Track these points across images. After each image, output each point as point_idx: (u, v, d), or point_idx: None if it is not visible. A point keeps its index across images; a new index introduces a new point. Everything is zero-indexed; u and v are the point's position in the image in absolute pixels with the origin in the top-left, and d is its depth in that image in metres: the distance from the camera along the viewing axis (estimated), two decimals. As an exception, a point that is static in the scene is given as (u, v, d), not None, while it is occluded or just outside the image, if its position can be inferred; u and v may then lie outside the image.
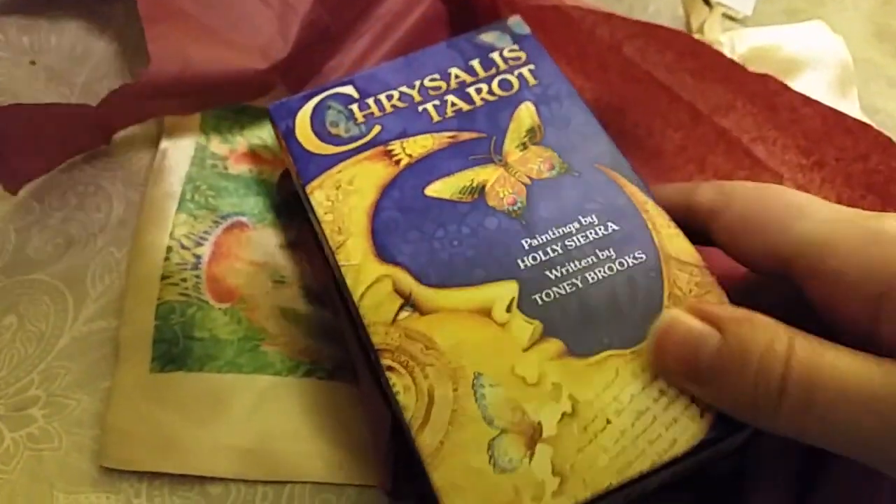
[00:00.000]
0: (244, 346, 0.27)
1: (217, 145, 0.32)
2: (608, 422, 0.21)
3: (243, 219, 0.30)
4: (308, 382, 0.26)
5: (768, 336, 0.18)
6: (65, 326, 0.28)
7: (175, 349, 0.27)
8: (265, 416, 0.26)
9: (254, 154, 0.32)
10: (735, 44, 0.35)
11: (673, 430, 0.20)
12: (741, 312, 0.19)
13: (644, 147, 0.30)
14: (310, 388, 0.26)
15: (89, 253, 0.30)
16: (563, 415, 0.21)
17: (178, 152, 0.32)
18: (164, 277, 0.28)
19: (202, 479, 0.25)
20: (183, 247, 0.29)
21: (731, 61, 0.27)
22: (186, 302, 0.28)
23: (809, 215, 0.20)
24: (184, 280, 0.28)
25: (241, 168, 0.32)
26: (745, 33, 0.36)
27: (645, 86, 0.30)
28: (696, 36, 0.35)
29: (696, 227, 0.23)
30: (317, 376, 0.27)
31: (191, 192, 0.30)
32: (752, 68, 0.28)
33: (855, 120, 0.26)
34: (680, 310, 0.20)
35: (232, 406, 0.26)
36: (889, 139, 0.25)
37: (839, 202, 0.26)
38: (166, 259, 0.29)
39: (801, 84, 0.33)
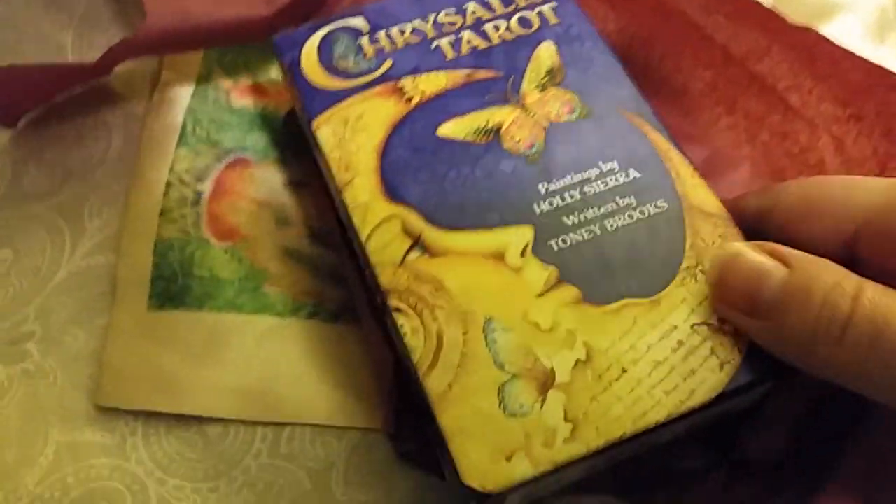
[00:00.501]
0: (245, 286, 0.26)
1: (220, 78, 0.31)
2: (624, 370, 0.20)
3: (246, 155, 0.29)
4: (311, 324, 0.26)
5: (838, 276, 0.18)
6: (62, 261, 0.28)
7: (173, 287, 0.26)
8: (266, 358, 0.25)
9: (258, 88, 0.31)
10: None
11: (691, 382, 0.20)
12: (809, 255, 0.19)
13: (669, 83, 0.29)
14: (312, 330, 0.25)
15: (88, 186, 0.29)
16: (577, 362, 0.20)
17: (180, 85, 0.30)
18: (163, 213, 0.27)
19: (200, 420, 0.25)
20: (183, 182, 0.28)
21: (770, 10, 0.26)
22: (186, 239, 0.27)
23: (866, 187, 0.20)
24: (183, 216, 0.27)
25: (245, 102, 0.30)
26: None
27: (676, 23, 0.29)
28: None
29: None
30: (320, 318, 0.26)
31: (192, 126, 0.29)
32: (784, 11, 0.27)
33: None
34: (746, 244, 0.20)
35: (231, 346, 0.25)
36: None
37: (875, 156, 0.25)
38: (166, 194, 0.28)
39: (836, 28, 0.32)
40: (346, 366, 0.25)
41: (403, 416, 0.23)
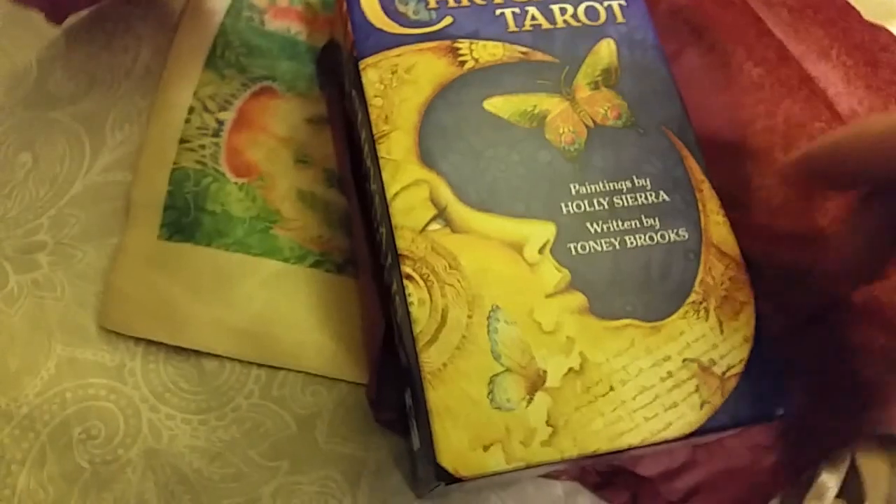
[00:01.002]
0: (255, 227, 0.26)
1: None
2: (611, 388, 0.20)
3: (273, 84, 0.28)
4: (315, 273, 0.25)
5: None
6: (79, 173, 0.27)
7: (185, 219, 0.25)
8: (267, 301, 0.25)
9: (295, 11, 0.29)
10: None
11: (671, 413, 0.20)
12: None
13: (716, 74, 0.28)
14: (316, 279, 0.25)
15: (112, 97, 0.28)
16: (570, 370, 0.20)
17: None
18: (182, 141, 0.26)
19: (198, 353, 0.25)
20: (206, 109, 0.27)
21: (845, 3, 0.25)
22: (202, 171, 0.26)
23: None
24: (202, 147, 0.26)
25: (279, 24, 0.29)
26: None
27: (734, 12, 0.28)
28: None
29: None
30: (324, 268, 0.26)
31: (221, 49, 0.28)
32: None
33: None
34: None
35: (235, 286, 0.25)
36: None
37: None
38: (187, 121, 0.27)
39: None
40: (343, 319, 0.25)
41: (385, 383, 0.23)
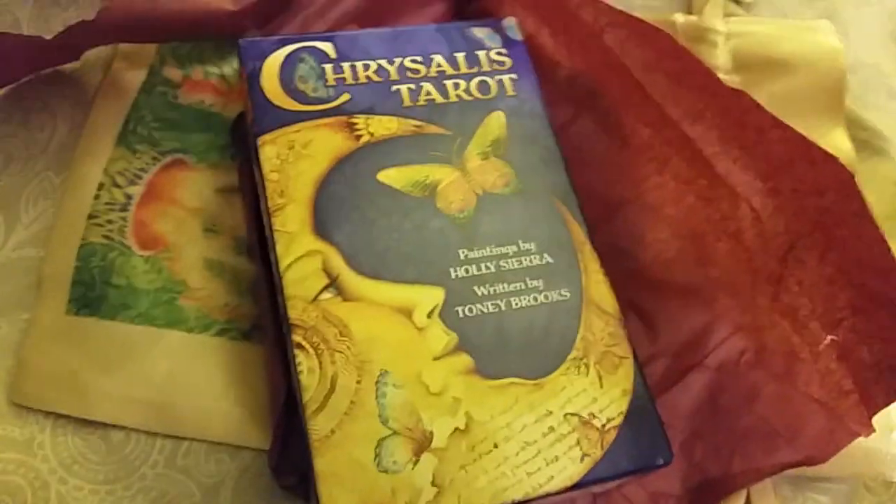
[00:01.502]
0: (160, 298, 0.26)
1: (171, 70, 0.30)
2: (495, 446, 0.21)
3: (185, 156, 0.29)
4: (219, 341, 0.26)
5: None
6: None
7: (91, 294, 0.26)
8: (171, 371, 0.25)
9: (209, 84, 0.31)
10: (731, 32, 0.33)
11: (553, 467, 0.21)
12: None
13: (612, 135, 0.30)
14: (221, 348, 0.26)
15: (27, 174, 0.29)
16: (456, 430, 0.21)
17: (130, 75, 0.30)
18: (90, 216, 0.27)
19: (106, 425, 0.25)
20: (115, 184, 0.28)
21: (709, 70, 0.27)
22: (109, 245, 0.27)
23: None
24: (110, 221, 0.27)
25: (193, 98, 0.30)
26: (744, 23, 0.34)
27: (621, 77, 0.29)
28: (694, 18, 0.34)
29: None
30: (230, 336, 0.26)
31: (134, 124, 0.29)
32: (732, 74, 0.26)
33: (821, 150, 0.26)
34: None
35: (140, 358, 0.26)
36: (850, 177, 0.25)
37: (787, 233, 0.26)
38: (96, 196, 0.28)
39: (789, 90, 0.32)
40: (247, 386, 0.26)
41: (288, 448, 0.24)
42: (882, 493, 0.29)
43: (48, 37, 0.27)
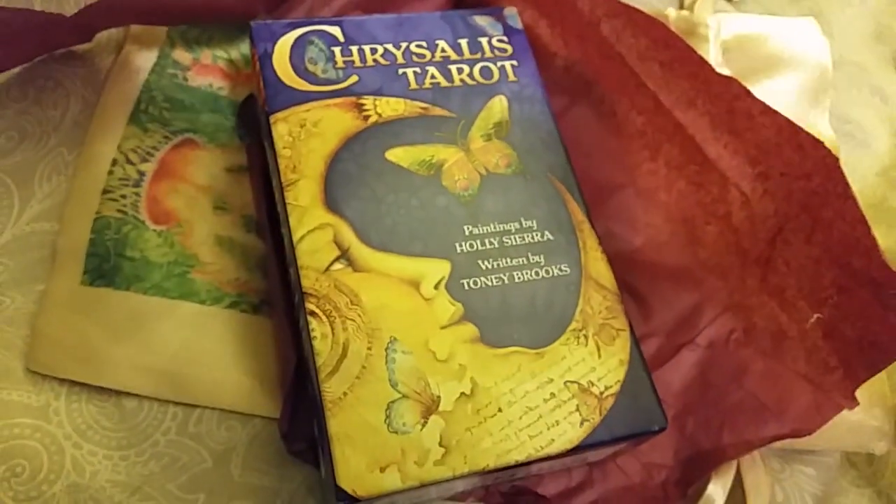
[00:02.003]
0: (173, 271, 0.27)
1: (181, 53, 0.31)
2: (499, 410, 0.22)
3: (195, 136, 0.30)
4: (231, 313, 0.27)
5: None
6: (8, 223, 0.28)
7: (106, 265, 0.27)
8: (184, 342, 0.26)
9: (217, 68, 0.31)
10: (721, 28, 0.34)
11: (553, 431, 0.22)
12: None
13: (607, 123, 0.31)
14: (231, 320, 0.27)
15: (41, 151, 0.29)
16: (462, 394, 0.22)
17: (141, 56, 0.31)
18: (105, 192, 0.28)
19: (119, 393, 0.26)
20: (128, 161, 0.29)
21: (701, 59, 0.28)
22: (123, 219, 0.27)
23: None
24: (123, 196, 0.28)
25: (202, 80, 0.31)
26: (734, 19, 0.35)
27: (616, 65, 0.30)
28: (685, 13, 0.35)
29: None
30: (240, 309, 0.27)
31: (145, 104, 0.30)
32: (722, 67, 0.27)
33: (808, 135, 0.26)
34: None
35: (153, 329, 0.26)
36: (836, 161, 0.26)
37: (776, 215, 0.27)
38: (110, 172, 0.28)
39: (776, 84, 0.34)
40: (257, 357, 0.26)
41: (297, 415, 0.25)
42: (865, 468, 0.30)
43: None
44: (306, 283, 0.23)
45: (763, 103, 0.27)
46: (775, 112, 0.27)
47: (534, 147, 0.27)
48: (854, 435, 0.28)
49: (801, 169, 0.26)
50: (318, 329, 0.22)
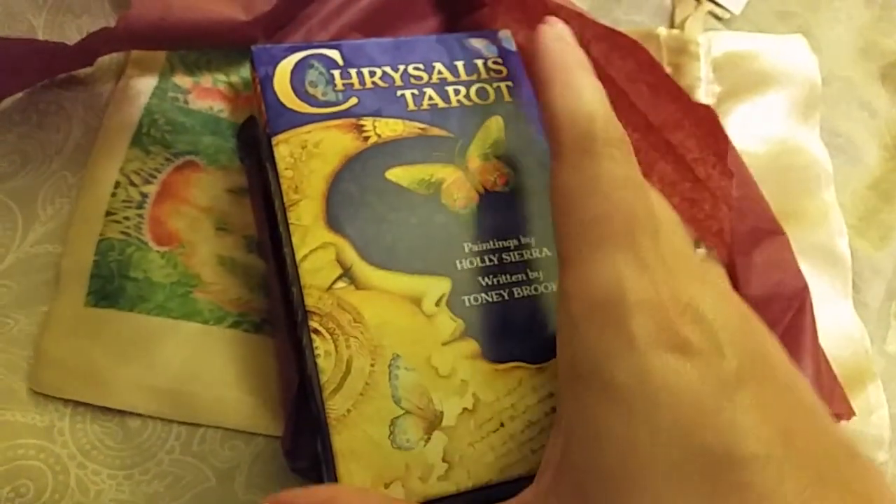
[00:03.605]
0: (176, 291, 0.27)
1: (181, 77, 0.31)
2: (502, 424, 0.22)
3: (196, 158, 0.30)
4: (233, 333, 0.27)
5: None
6: (11, 246, 0.28)
7: (110, 286, 0.27)
8: (187, 361, 0.26)
9: (218, 91, 0.32)
10: (712, 45, 0.35)
11: (555, 444, 0.22)
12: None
13: None
14: (234, 339, 0.27)
15: (43, 174, 0.29)
16: (464, 409, 0.22)
17: (142, 81, 0.31)
18: (108, 213, 0.28)
19: (122, 413, 0.26)
20: (131, 183, 0.29)
21: (679, 87, 0.29)
22: (126, 241, 0.27)
23: None
24: (127, 218, 0.28)
25: (202, 104, 0.31)
26: (724, 37, 0.35)
27: (608, 86, 0.31)
28: (676, 32, 0.35)
29: None
30: (242, 329, 0.27)
31: (147, 127, 0.30)
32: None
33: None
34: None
35: (156, 349, 0.26)
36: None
37: (754, 233, 0.28)
38: (113, 195, 0.28)
39: (767, 100, 0.34)
40: (259, 376, 0.26)
41: (300, 433, 0.25)
42: None
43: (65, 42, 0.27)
44: (310, 302, 0.23)
45: (727, 137, 0.28)
46: (734, 149, 0.28)
47: (529, 166, 0.27)
48: None
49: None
50: (321, 347, 0.22)
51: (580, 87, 0.21)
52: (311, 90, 0.27)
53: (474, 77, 0.29)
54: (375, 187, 0.26)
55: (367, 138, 0.27)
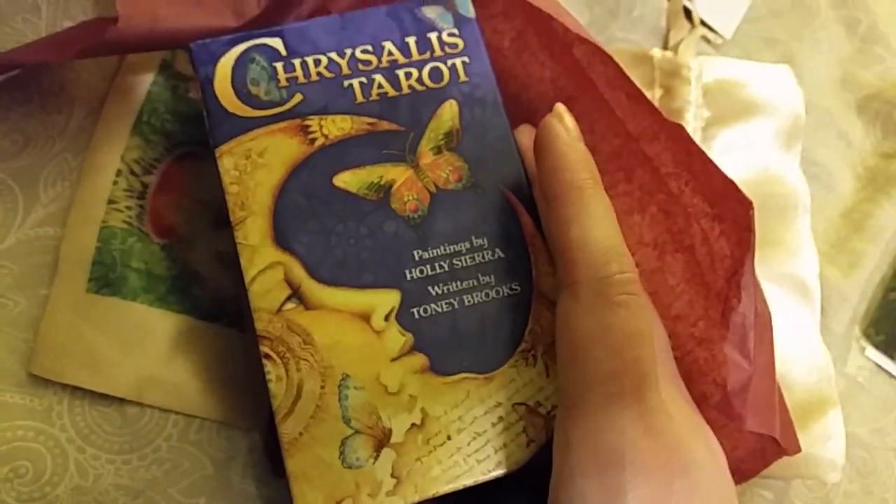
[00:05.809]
0: (177, 285, 0.28)
1: (183, 65, 0.30)
2: (449, 438, 0.23)
3: (195, 149, 0.29)
4: (228, 331, 0.28)
5: None
6: (12, 226, 0.28)
7: (112, 275, 0.27)
8: (186, 354, 0.27)
9: None
10: (704, 71, 0.35)
11: (501, 453, 0.23)
12: None
13: (586, 140, 0.30)
14: (229, 337, 0.28)
15: (45, 155, 0.29)
16: (413, 425, 0.23)
17: (144, 68, 0.30)
18: (110, 202, 0.28)
19: (121, 399, 0.27)
20: (132, 172, 0.28)
21: (652, 103, 0.27)
22: (128, 230, 0.28)
23: None
24: (129, 208, 0.28)
25: None
26: (715, 63, 0.36)
27: (589, 89, 0.29)
28: (669, 54, 0.36)
29: None
30: (238, 327, 0.28)
31: (148, 115, 0.29)
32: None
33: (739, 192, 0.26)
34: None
35: (155, 340, 0.27)
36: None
37: (731, 257, 0.27)
38: (115, 182, 0.28)
39: (751, 128, 0.35)
40: (254, 375, 0.27)
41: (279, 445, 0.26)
42: (818, 490, 0.32)
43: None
44: (259, 326, 0.23)
45: (703, 152, 0.27)
46: (715, 164, 0.26)
47: (485, 156, 0.26)
48: (808, 466, 0.30)
49: (746, 221, 0.26)
50: (273, 372, 0.23)
51: (595, 216, 0.22)
52: (253, 90, 0.26)
53: (427, 55, 0.27)
54: (323, 196, 0.25)
55: (313, 140, 0.25)
